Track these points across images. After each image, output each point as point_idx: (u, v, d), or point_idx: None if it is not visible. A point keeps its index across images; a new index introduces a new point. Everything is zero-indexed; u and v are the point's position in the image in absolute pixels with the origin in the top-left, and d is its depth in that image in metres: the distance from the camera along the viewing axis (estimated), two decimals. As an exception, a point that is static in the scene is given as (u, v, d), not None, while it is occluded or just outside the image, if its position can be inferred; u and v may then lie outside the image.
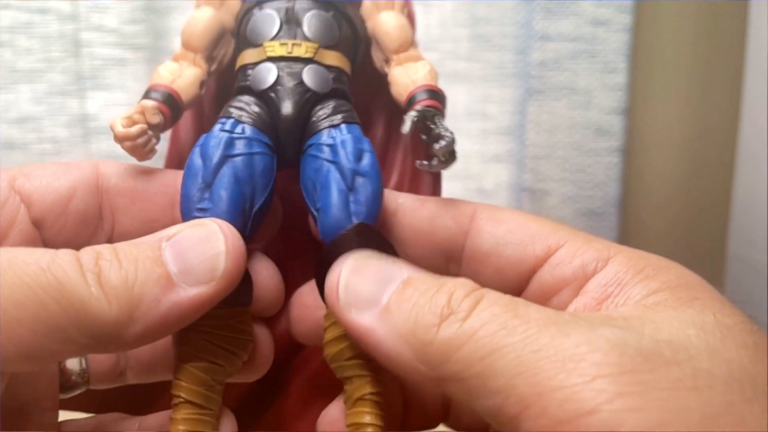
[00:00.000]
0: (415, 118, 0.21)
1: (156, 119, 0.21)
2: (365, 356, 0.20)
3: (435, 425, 0.23)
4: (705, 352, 0.14)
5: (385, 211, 0.21)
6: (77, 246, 0.16)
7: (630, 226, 0.71)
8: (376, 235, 0.20)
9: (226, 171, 0.20)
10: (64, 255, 0.15)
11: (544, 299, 0.19)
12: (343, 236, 0.19)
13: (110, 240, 0.21)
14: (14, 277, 0.14)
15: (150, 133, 0.20)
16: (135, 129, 0.20)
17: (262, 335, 0.22)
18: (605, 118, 0.68)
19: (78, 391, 0.22)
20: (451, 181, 0.73)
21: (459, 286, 0.16)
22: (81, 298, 0.15)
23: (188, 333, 0.19)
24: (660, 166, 0.69)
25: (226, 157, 0.20)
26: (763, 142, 0.64)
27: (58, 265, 0.15)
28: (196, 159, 0.20)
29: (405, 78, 0.23)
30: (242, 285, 0.19)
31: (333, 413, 0.21)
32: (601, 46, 0.67)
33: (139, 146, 0.20)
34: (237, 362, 0.20)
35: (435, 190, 0.26)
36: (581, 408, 0.13)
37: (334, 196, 0.20)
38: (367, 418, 0.19)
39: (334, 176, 0.21)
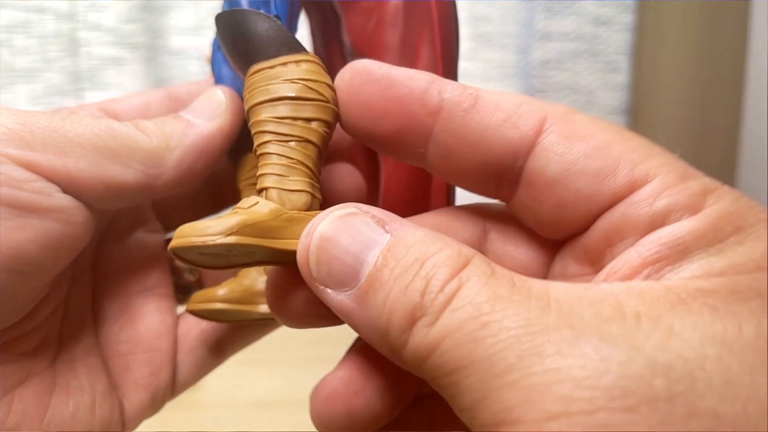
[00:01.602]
0: None
1: None
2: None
3: None
4: (716, 382, 0.12)
5: (425, 106, 0.17)
6: None
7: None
8: None
9: None
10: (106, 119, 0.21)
11: (604, 246, 0.16)
12: None
13: None
14: (74, 120, 0.19)
15: None
16: None
17: None
18: (607, 118, 0.68)
19: (194, 293, 0.24)
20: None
21: (441, 266, 0.14)
22: (127, 133, 0.20)
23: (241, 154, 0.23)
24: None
25: None
26: (764, 141, 0.64)
27: (104, 118, 0.20)
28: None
29: None
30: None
31: (330, 385, 0.19)
32: (603, 46, 0.66)
33: None
34: None
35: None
36: None
37: None
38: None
39: None
